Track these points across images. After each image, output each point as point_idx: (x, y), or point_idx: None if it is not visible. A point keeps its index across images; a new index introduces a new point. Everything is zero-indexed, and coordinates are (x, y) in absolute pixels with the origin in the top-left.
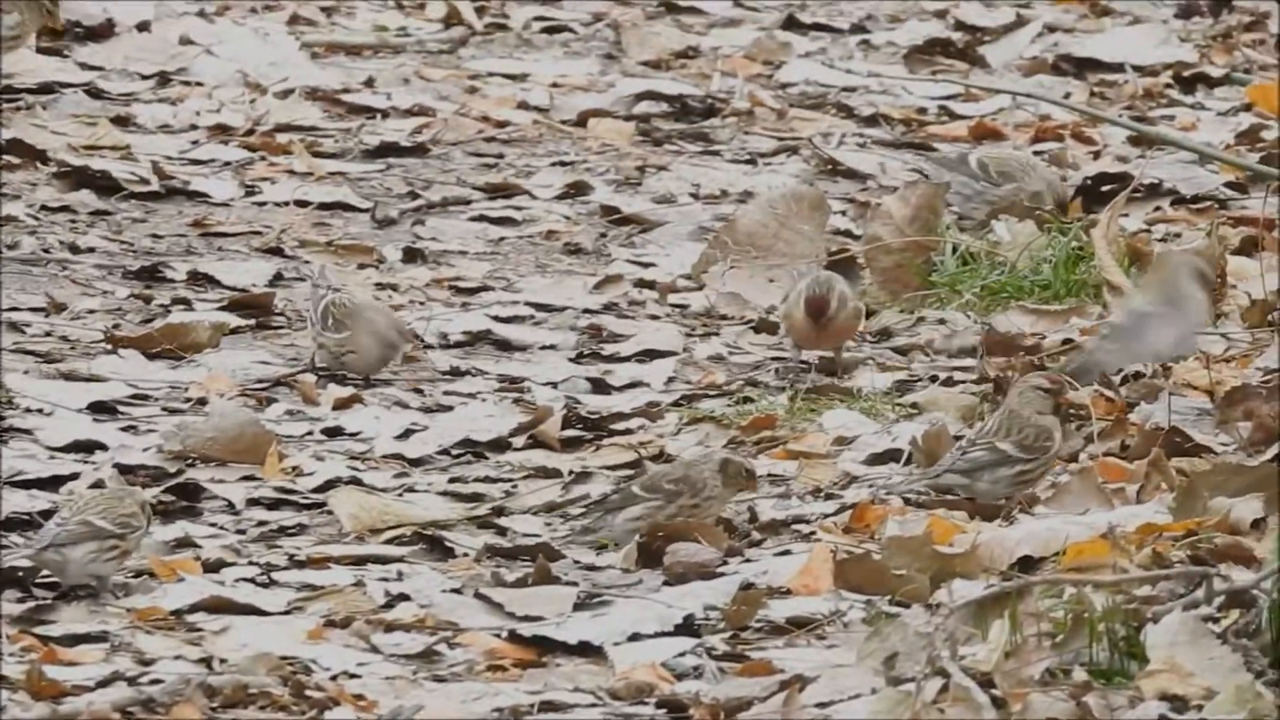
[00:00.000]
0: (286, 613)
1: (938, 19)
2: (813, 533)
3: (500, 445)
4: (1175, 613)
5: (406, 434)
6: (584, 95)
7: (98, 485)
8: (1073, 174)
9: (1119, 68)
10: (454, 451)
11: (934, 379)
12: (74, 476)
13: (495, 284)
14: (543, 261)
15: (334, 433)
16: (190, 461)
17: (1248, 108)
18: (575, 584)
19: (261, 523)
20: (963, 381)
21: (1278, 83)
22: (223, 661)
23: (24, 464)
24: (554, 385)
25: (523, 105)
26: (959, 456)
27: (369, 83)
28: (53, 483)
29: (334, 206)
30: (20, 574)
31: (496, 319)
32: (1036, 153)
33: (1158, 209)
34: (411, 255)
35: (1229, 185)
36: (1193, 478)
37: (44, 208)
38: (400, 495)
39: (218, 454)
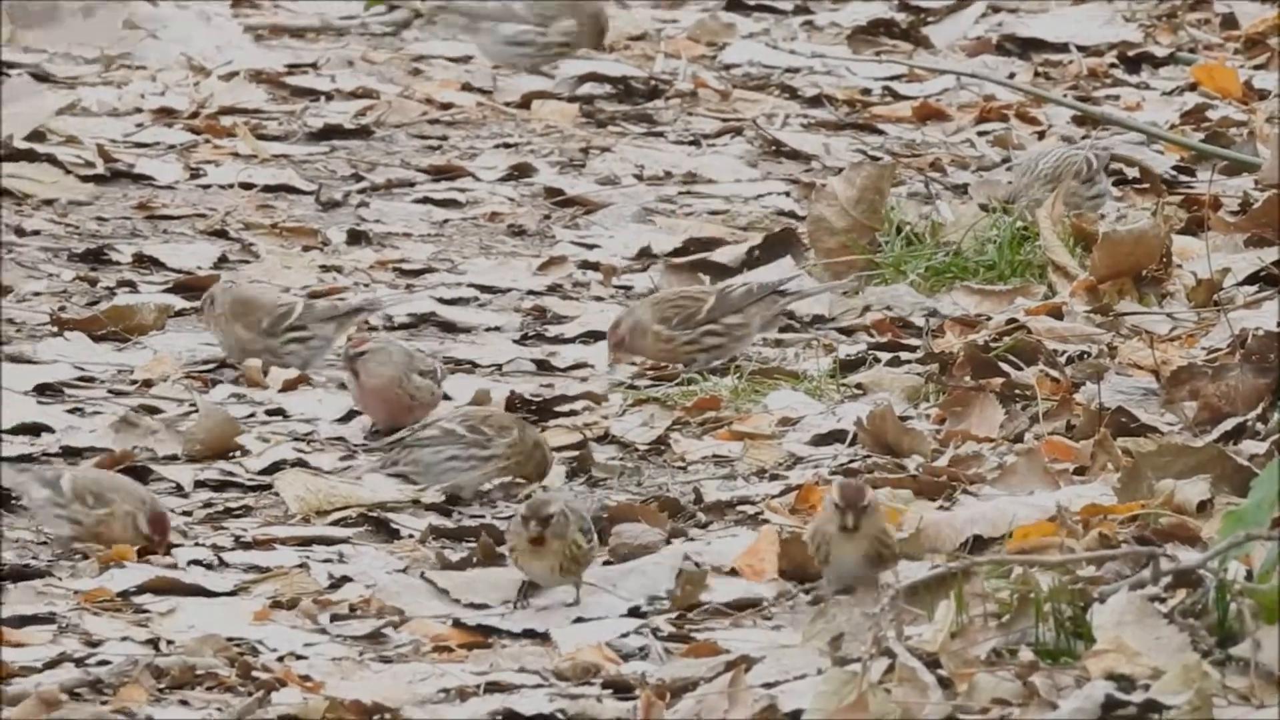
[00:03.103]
0: (233, 594)
1: (882, 0)
2: (759, 514)
3: None
4: (1122, 593)
5: (349, 417)
6: (527, 77)
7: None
8: (1018, 154)
9: (1064, 48)
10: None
11: (878, 360)
12: (24, 458)
13: (440, 266)
14: (487, 243)
15: (278, 414)
16: (175, 458)
17: (1193, 87)
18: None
19: (208, 504)
20: (908, 362)
21: (1222, 62)
22: (170, 643)
23: None
24: (498, 367)
25: (466, 87)
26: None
27: (313, 65)
28: None
29: (278, 189)
30: None
31: (441, 301)
32: (981, 133)
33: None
34: (356, 237)
35: (1175, 166)
36: (1138, 458)
37: None
38: (346, 477)
39: (201, 453)
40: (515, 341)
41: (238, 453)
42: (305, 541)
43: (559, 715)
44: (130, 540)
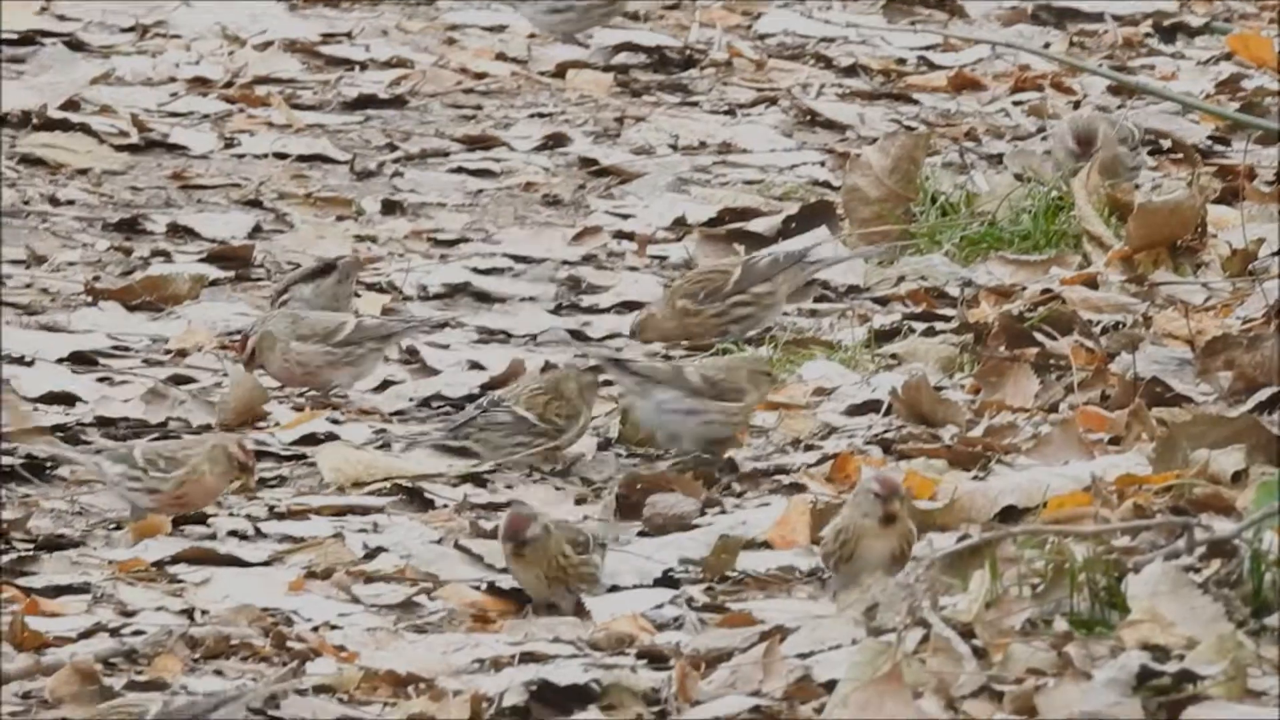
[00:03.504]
0: (268, 564)
1: None
2: (794, 483)
3: (477, 398)
4: (1156, 563)
5: (383, 386)
6: (562, 46)
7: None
8: (1053, 124)
9: (1099, 17)
10: (434, 404)
11: (913, 330)
12: (57, 429)
13: (474, 236)
14: (521, 213)
15: None
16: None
17: (1228, 56)
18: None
19: None
20: (943, 332)
21: (1257, 32)
22: (204, 613)
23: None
24: (533, 337)
25: (501, 56)
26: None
27: (348, 35)
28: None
29: (313, 159)
30: (2, 526)
31: (475, 271)
32: (1016, 103)
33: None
34: (390, 207)
35: (1210, 136)
36: (1173, 428)
37: (23, 160)
38: (382, 448)
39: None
40: (550, 311)
41: (268, 422)
42: (340, 511)
43: (594, 685)
44: (221, 481)
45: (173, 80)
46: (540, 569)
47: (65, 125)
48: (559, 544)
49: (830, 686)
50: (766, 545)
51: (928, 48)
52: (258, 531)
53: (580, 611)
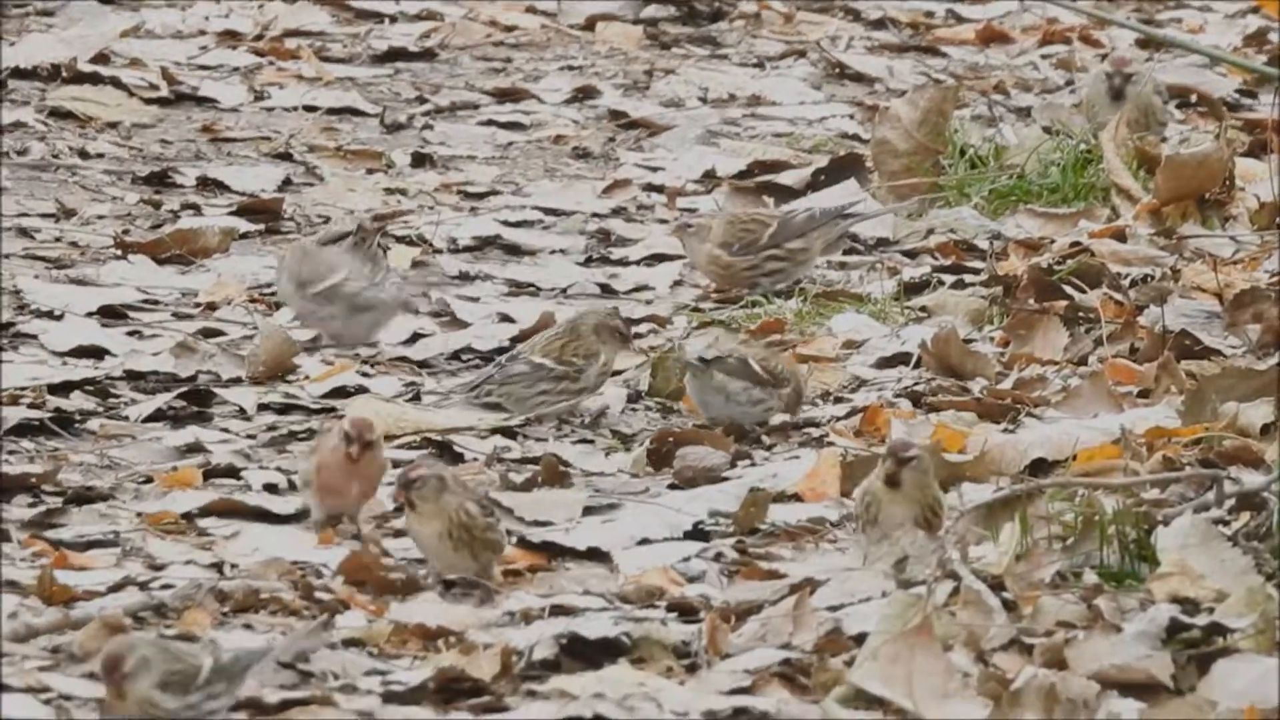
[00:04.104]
0: (296, 517)
1: None
2: (823, 436)
3: (507, 350)
4: (1185, 516)
5: (413, 339)
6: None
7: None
8: (1081, 77)
9: None
10: (463, 357)
11: (942, 282)
12: (86, 383)
13: (504, 188)
14: (551, 166)
15: None
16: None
17: (1255, 10)
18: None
19: (272, 427)
20: (972, 284)
21: None
22: (234, 566)
23: (35, 369)
24: (563, 290)
25: (530, 9)
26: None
27: None
28: (63, 388)
29: (342, 111)
30: (31, 479)
31: (505, 223)
32: (1044, 56)
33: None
34: (420, 160)
35: (1237, 89)
36: (1202, 381)
37: (53, 113)
38: (412, 400)
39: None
40: (579, 264)
41: (298, 375)
42: None
43: (624, 638)
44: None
45: (202, 33)
46: (439, 524)
47: (95, 78)
48: (460, 501)
49: (860, 639)
50: (797, 498)
51: (956, 0)
52: (289, 485)
53: (485, 599)
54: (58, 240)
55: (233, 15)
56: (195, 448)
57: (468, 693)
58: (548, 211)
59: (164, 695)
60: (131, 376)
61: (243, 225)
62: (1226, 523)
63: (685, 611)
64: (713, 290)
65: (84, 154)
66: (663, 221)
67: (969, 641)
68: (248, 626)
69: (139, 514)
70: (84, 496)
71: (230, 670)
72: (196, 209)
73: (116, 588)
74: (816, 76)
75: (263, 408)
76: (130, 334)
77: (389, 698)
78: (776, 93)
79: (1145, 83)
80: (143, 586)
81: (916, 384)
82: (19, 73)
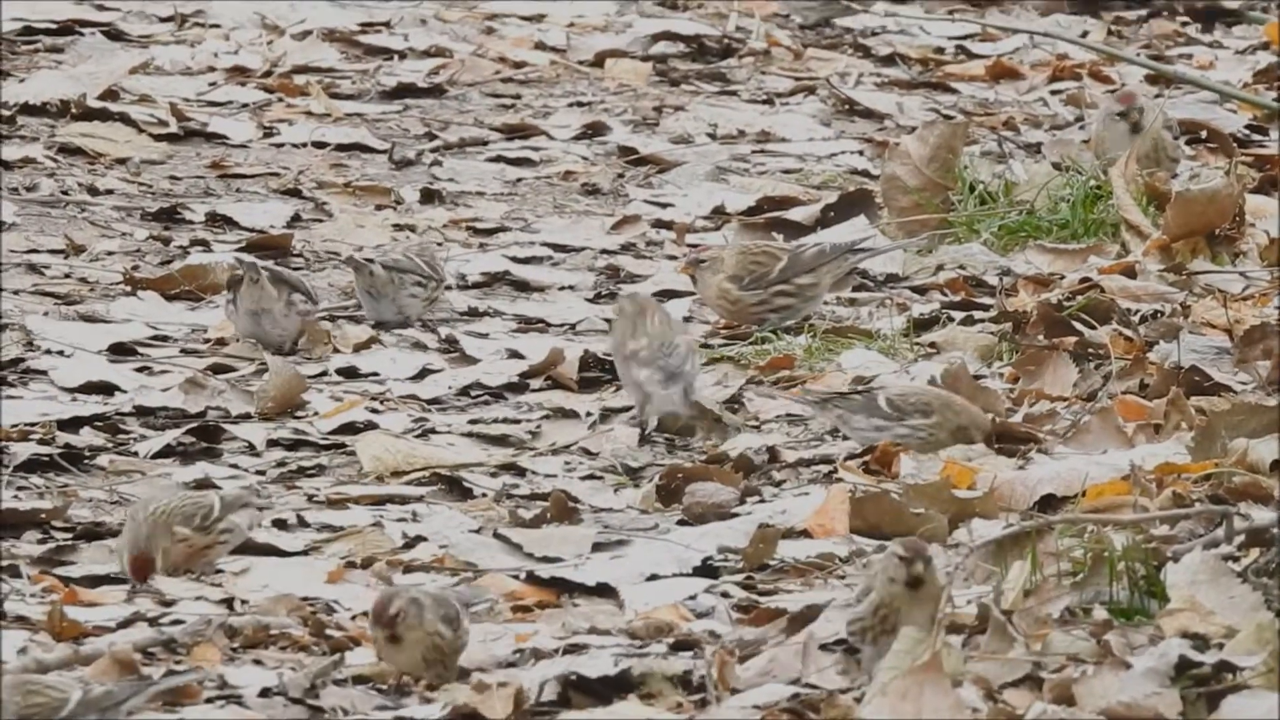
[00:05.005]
0: (306, 553)
1: None
2: (832, 472)
3: (517, 386)
4: (1195, 551)
5: (421, 375)
6: (601, 35)
7: None
8: (1091, 113)
9: (1137, 5)
10: (472, 393)
11: (952, 318)
12: (96, 419)
13: (513, 225)
14: (560, 202)
15: (349, 374)
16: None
17: (1265, 46)
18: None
19: (281, 463)
20: (981, 320)
21: None
22: (243, 602)
23: (44, 405)
24: (572, 326)
25: (540, 46)
26: None
27: (386, 24)
28: (73, 424)
29: (351, 148)
30: (41, 515)
31: (514, 259)
32: (1054, 92)
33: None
34: (429, 196)
35: (1248, 125)
36: (1212, 417)
37: (62, 149)
38: (421, 436)
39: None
40: (588, 300)
41: (307, 411)
42: (379, 501)
43: (627, 675)
44: None
45: (211, 69)
46: (419, 650)
47: (104, 115)
48: (433, 624)
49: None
50: (806, 534)
51: (966, 37)
52: (298, 520)
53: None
54: (67, 276)
55: (242, 51)
56: (204, 484)
57: None
58: (557, 248)
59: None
60: (141, 412)
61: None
62: (1236, 559)
63: (693, 647)
64: (721, 326)
65: (93, 190)
66: (671, 258)
67: (978, 678)
68: (258, 662)
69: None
70: (94, 533)
71: None
72: (206, 245)
73: (126, 623)
74: (826, 113)
75: (272, 444)
76: (140, 370)
77: None
78: (786, 129)
79: (1156, 118)
80: (152, 622)
81: None
82: (28, 109)
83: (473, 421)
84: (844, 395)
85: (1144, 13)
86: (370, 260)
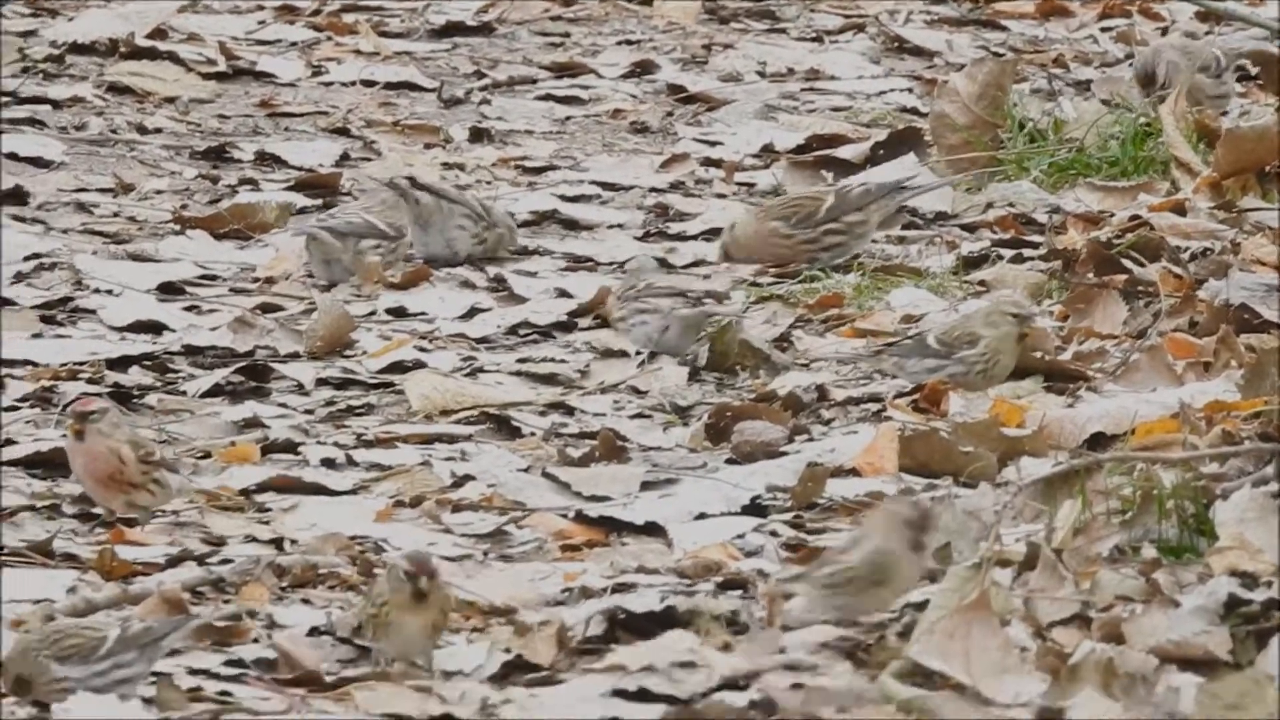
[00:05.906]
0: (355, 492)
1: None
2: (881, 410)
3: (565, 325)
4: (1244, 489)
5: (470, 314)
6: None
7: None
8: (1140, 50)
9: None
10: (521, 331)
11: (1001, 256)
12: (145, 358)
13: (562, 163)
14: (609, 140)
15: (398, 313)
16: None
17: None
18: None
19: (329, 402)
20: (1031, 259)
21: None
22: (292, 541)
23: (93, 344)
24: (620, 264)
25: None
26: None
27: None
28: (121, 363)
29: (400, 86)
30: None
31: (563, 198)
32: (1104, 29)
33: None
34: (478, 135)
35: None
36: (1261, 354)
37: (111, 88)
38: (470, 375)
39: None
40: (637, 239)
41: (355, 350)
42: (427, 440)
43: (673, 611)
44: None
45: (260, 8)
46: (433, 614)
47: (153, 54)
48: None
49: (920, 606)
50: (854, 472)
51: None
52: (347, 460)
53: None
54: (116, 215)
55: None
56: (253, 423)
57: (523, 668)
58: (605, 186)
59: None
60: (190, 352)
61: (300, 200)
62: None
63: (742, 586)
64: (770, 265)
65: (142, 129)
66: (720, 196)
67: (1026, 616)
68: (306, 602)
69: (197, 489)
70: None
71: None
72: (254, 184)
73: (175, 562)
74: (875, 51)
75: (321, 382)
76: (188, 309)
77: (446, 673)
78: (835, 67)
79: (1184, 75)
80: (201, 561)
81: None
82: (77, 48)
83: (521, 360)
84: (892, 343)
85: None
86: (413, 181)
